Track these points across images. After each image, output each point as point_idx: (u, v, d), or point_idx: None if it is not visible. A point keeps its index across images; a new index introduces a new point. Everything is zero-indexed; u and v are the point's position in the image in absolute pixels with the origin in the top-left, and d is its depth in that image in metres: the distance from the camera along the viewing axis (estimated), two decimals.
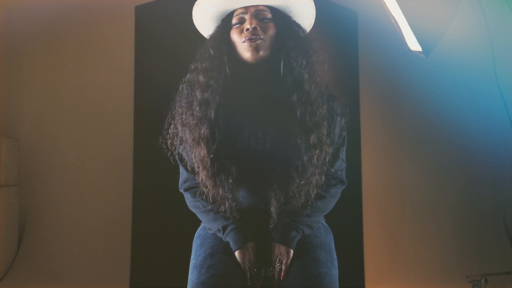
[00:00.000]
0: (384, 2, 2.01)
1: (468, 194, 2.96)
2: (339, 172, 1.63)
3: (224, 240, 1.52)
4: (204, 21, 1.61)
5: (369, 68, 2.89)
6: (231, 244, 1.50)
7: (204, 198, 1.55)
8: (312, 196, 1.51)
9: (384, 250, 2.91)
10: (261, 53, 1.48)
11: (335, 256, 1.57)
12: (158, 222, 2.67)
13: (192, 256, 1.55)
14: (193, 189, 1.60)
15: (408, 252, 2.91)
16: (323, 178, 1.52)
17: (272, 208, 1.49)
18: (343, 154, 1.63)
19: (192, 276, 1.45)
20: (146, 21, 2.77)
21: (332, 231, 1.70)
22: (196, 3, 1.57)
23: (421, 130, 2.97)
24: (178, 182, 1.68)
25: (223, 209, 1.52)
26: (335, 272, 1.49)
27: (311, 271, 1.42)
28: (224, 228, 1.52)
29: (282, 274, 1.45)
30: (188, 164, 1.60)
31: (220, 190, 1.49)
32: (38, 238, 2.82)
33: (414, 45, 2.00)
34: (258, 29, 1.48)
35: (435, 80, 2.92)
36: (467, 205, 2.96)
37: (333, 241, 1.63)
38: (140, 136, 2.74)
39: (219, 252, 1.49)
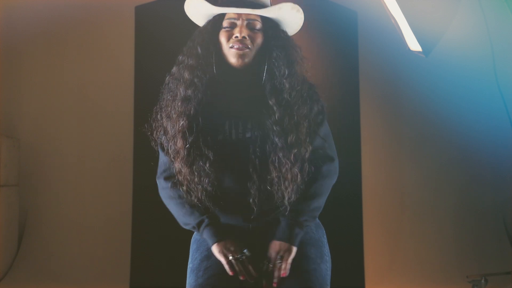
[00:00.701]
0: (384, 2, 2.01)
1: (468, 194, 2.96)
2: (320, 151, 1.62)
3: (201, 236, 1.53)
4: (197, 16, 1.64)
5: (369, 68, 2.89)
6: (208, 240, 1.51)
7: (181, 188, 1.55)
8: (288, 190, 1.51)
9: (384, 250, 2.91)
10: (246, 60, 1.52)
11: (326, 251, 1.58)
12: (158, 222, 2.66)
13: (189, 260, 1.56)
14: (172, 178, 1.60)
15: (408, 252, 2.91)
16: (299, 177, 1.52)
17: (252, 200, 1.50)
18: (322, 132, 1.63)
19: (190, 280, 1.47)
20: (146, 21, 2.77)
21: (332, 231, 1.70)
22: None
23: (421, 130, 2.97)
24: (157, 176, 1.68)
25: (196, 197, 1.52)
26: (324, 266, 1.50)
27: (299, 268, 1.44)
28: (199, 225, 1.53)
29: (283, 272, 1.44)
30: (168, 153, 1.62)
31: (196, 177, 1.50)
32: (38, 238, 2.82)
33: (414, 45, 2.00)
34: (247, 39, 1.52)
35: (435, 80, 2.92)
36: (467, 205, 2.96)
37: (324, 236, 1.63)
38: (140, 136, 2.72)
39: None
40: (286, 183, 1.50)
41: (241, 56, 1.51)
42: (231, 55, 1.52)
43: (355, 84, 2.82)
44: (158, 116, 1.61)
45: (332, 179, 1.63)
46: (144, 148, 2.69)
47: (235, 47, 1.51)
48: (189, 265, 1.53)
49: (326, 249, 1.59)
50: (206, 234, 1.51)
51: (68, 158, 2.87)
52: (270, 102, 1.51)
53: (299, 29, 1.65)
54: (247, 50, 1.51)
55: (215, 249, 1.48)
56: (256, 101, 1.54)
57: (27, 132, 2.87)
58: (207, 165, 1.49)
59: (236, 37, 1.51)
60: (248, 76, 1.56)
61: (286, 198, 1.51)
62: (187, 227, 1.58)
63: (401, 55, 2.69)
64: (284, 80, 1.53)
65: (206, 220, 1.52)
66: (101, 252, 2.80)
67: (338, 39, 2.77)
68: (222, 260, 1.46)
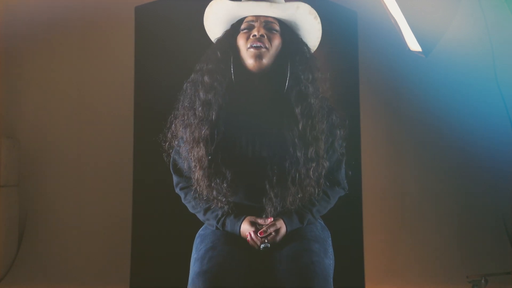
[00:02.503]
0: (384, 2, 2.01)
1: (468, 194, 2.96)
2: (344, 181, 1.69)
3: (227, 231, 1.57)
4: (215, 23, 1.65)
5: (369, 68, 2.89)
6: (232, 230, 1.55)
7: (196, 197, 1.61)
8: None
9: (384, 250, 2.91)
10: (263, 61, 1.52)
11: (331, 250, 1.60)
12: (158, 222, 2.67)
13: (193, 252, 1.58)
14: (184, 189, 1.67)
15: (408, 252, 2.91)
16: (317, 190, 1.56)
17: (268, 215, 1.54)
18: (344, 164, 1.70)
19: (194, 268, 1.48)
20: (146, 21, 2.77)
21: (332, 231, 1.71)
22: (210, 4, 1.61)
23: (421, 130, 2.97)
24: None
25: (215, 205, 1.57)
26: (328, 261, 1.52)
27: (303, 260, 1.45)
28: (222, 225, 1.57)
29: (260, 231, 1.49)
30: (184, 164, 1.64)
31: (214, 192, 1.53)
32: (38, 238, 2.82)
33: (414, 45, 2.00)
34: (265, 37, 1.52)
35: (435, 80, 2.92)
36: (467, 205, 2.96)
37: (329, 238, 1.66)
38: (140, 136, 2.74)
39: (220, 244, 1.52)
40: (304, 199, 1.54)
41: (258, 56, 1.51)
42: (248, 56, 1.52)
43: (355, 84, 2.82)
44: (173, 125, 1.61)
45: (335, 201, 1.70)
46: (144, 148, 2.71)
47: (252, 46, 1.52)
48: (194, 256, 1.55)
49: (331, 249, 1.61)
50: (227, 227, 1.56)
51: (68, 158, 2.87)
52: (296, 110, 1.52)
53: (317, 43, 1.67)
54: (264, 49, 1.52)
55: (242, 234, 1.53)
56: (278, 109, 1.54)
57: (27, 133, 2.88)
58: (224, 184, 1.51)
59: (254, 35, 1.52)
60: (269, 82, 1.55)
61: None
62: (214, 228, 1.63)
63: (401, 55, 2.69)
64: (309, 85, 1.54)
65: (222, 217, 1.57)
66: (101, 252, 2.80)
67: (338, 39, 2.76)
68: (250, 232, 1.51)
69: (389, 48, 2.83)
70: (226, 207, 1.55)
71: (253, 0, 1.55)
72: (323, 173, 1.56)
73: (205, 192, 1.54)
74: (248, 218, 1.54)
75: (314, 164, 1.52)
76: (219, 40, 1.62)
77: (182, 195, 1.70)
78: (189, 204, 1.67)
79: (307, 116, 1.51)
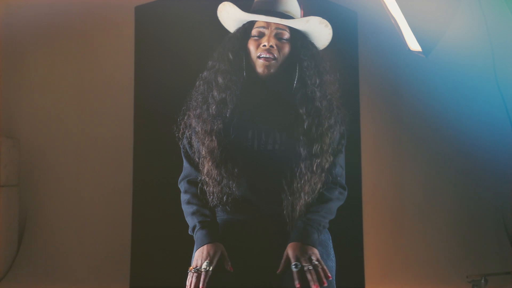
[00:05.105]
0: (384, 2, 2.01)
1: (468, 194, 2.96)
2: (338, 178, 1.68)
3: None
4: (227, 20, 1.71)
5: (369, 68, 2.89)
6: (195, 242, 1.55)
7: (197, 192, 1.62)
8: (302, 202, 1.55)
9: (384, 250, 2.91)
10: (272, 71, 1.58)
11: (332, 252, 1.62)
12: (158, 222, 2.67)
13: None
14: (191, 182, 1.66)
15: (408, 252, 2.91)
16: (319, 185, 1.59)
17: (286, 212, 1.55)
18: (342, 161, 1.70)
19: None
20: (146, 21, 2.77)
21: (332, 231, 1.71)
22: (222, 3, 1.66)
23: (421, 130, 2.97)
24: (178, 180, 1.72)
25: (219, 199, 1.57)
26: (331, 264, 1.55)
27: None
28: (193, 229, 1.58)
29: (329, 275, 1.43)
30: (194, 156, 1.65)
31: (224, 180, 1.54)
32: (38, 238, 2.82)
33: (414, 45, 2.00)
34: (274, 47, 1.58)
35: (435, 80, 2.92)
36: (467, 205, 2.96)
37: (330, 240, 1.68)
38: (140, 136, 2.74)
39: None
40: (302, 194, 1.55)
41: (267, 67, 1.57)
42: (258, 65, 1.58)
43: (355, 84, 2.82)
44: (186, 116, 1.65)
45: (340, 202, 1.69)
46: (144, 148, 2.71)
47: (262, 56, 1.58)
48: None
49: (332, 251, 1.63)
50: (196, 237, 1.56)
51: (68, 158, 2.87)
52: (300, 110, 1.58)
53: (327, 44, 1.73)
54: (273, 61, 1.57)
55: (195, 254, 1.52)
56: (283, 111, 1.60)
57: (27, 132, 2.87)
58: (236, 170, 1.54)
59: (264, 45, 1.58)
60: (275, 85, 1.61)
61: (298, 210, 1.55)
62: (189, 231, 1.62)
63: (401, 55, 2.69)
64: (316, 89, 1.60)
65: (197, 225, 1.56)
66: (101, 252, 2.80)
67: (338, 39, 2.76)
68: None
69: (389, 48, 2.83)
70: (236, 194, 1.55)
71: (264, 15, 1.59)
72: (326, 167, 1.59)
73: (216, 179, 1.55)
74: (209, 246, 1.50)
75: (318, 160, 1.56)
76: (231, 40, 1.66)
77: (185, 185, 1.67)
78: (187, 195, 1.66)
79: (313, 115, 1.57)
